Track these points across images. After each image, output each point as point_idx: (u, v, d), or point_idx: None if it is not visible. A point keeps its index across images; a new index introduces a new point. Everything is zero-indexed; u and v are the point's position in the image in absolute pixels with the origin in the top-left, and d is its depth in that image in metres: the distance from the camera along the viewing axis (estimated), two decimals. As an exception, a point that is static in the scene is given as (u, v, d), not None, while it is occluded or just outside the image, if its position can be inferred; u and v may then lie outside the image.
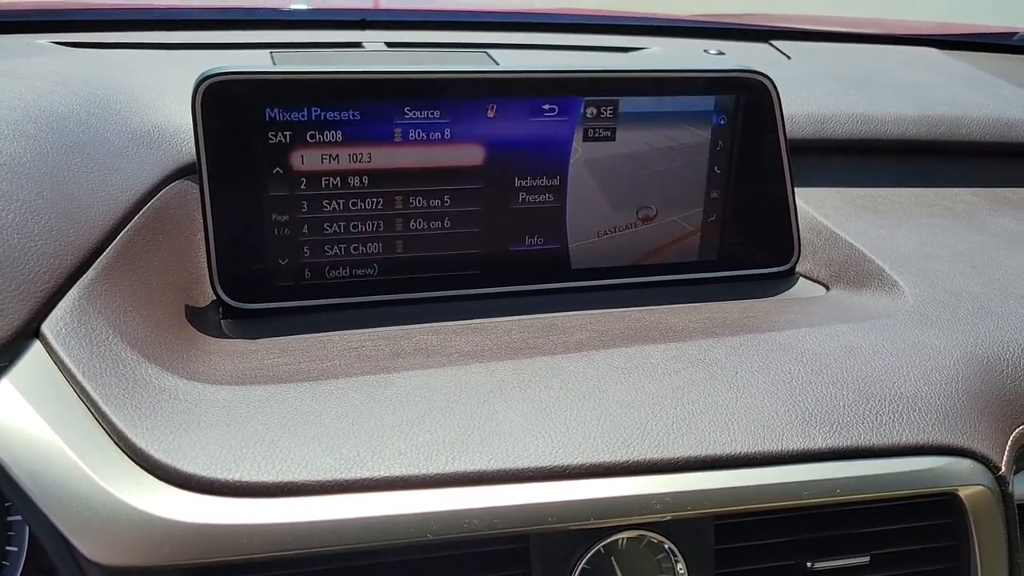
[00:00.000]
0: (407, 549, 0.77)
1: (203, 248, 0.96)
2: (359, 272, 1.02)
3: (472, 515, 0.73)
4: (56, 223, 0.83)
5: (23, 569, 0.75)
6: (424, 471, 0.74)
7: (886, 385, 0.89)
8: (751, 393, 0.86)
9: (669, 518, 0.79)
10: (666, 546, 0.81)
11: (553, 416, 0.81)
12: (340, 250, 1.00)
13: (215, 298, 0.97)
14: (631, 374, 0.87)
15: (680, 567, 0.81)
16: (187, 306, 0.95)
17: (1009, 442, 0.91)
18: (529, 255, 1.08)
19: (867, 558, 0.87)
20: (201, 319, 0.95)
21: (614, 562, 0.81)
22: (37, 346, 0.75)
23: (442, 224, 1.03)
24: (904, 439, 0.85)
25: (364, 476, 0.73)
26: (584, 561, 0.79)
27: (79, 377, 0.74)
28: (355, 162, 0.98)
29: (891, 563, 0.89)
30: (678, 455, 0.79)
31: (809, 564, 0.85)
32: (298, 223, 0.98)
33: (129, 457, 0.71)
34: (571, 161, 1.06)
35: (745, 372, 0.89)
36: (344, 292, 1.01)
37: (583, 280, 1.10)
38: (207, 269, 0.95)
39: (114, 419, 0.72)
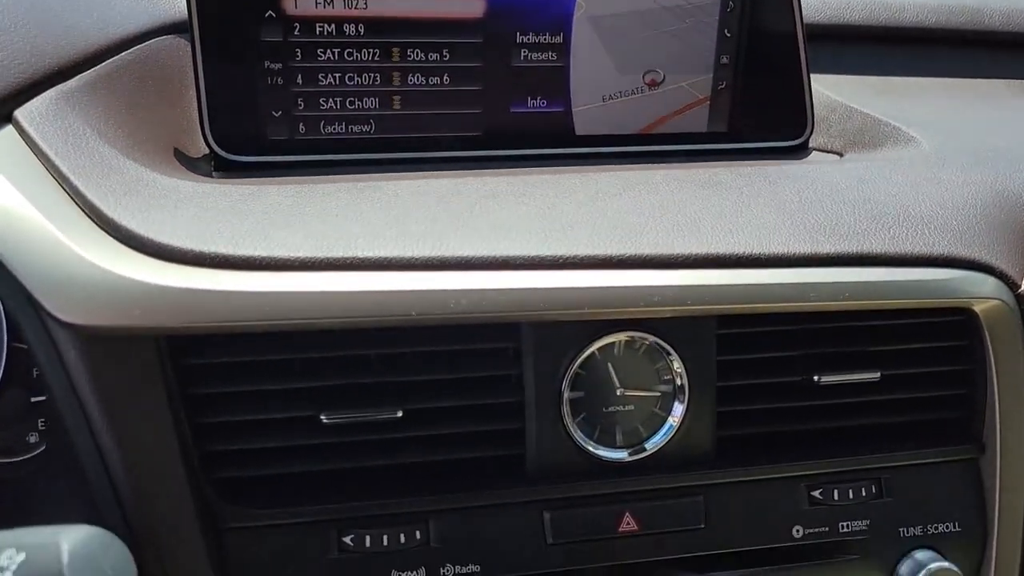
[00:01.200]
0: (394, 341, 0.74)
1: (195, 104, 0.94)
2: (355, 128, 0.99)
3: (458, 295, 0.70)
4: (35, 30, 0.81)
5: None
6: (410, 254, 0.71)
7: (899, 208, 0.85)
8: (757, 207, 0.82)
9: (668, 314, 0.75)
10: (664, 351, 0.77)
11: (549, 216, 0.78)
12: (335, 104, 0.98)
13: (207, 152, 0.95)
14: (633, 188, 0.84)
15: (678, 367, 0.77)
16: (176, 149, 0.93)
17: None
18: (532, 118, 1.05)
19: (877, 375, 0.82)
20: (191, 166, 0.93)
21: (610, 368, 0.77)
22: (9, 129, 0.74)
23: (441, 80, 1.00)
24: (917, 250, 0.81)
25: (346, 255, 0.70)
26: (577, 363, 0.76)
27: (53, 158, 0.72)
28: (350, 7, 0.96)
29: (903, 383, 0.85)
30: (678, 252, 0.76)
31: (816, 378, 0.81)
32: (292, 72, 0.96)
33: (102, 228, 0.69)
34: (575, 16, 1.03)
35: (751, 192, 0.85)
36: (338, 149, 0.99)
37: (587, 147, 1.07)
38: (199, 121, 0.94)
39: (88, 194, 0.70)
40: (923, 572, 0.81)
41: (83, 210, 0.70)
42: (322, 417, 0.72)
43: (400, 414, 0.73)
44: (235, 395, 0.73)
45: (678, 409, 0.78)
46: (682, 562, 0.81)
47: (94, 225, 0.69)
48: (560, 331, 0.75)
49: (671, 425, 0.78)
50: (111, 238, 0.69)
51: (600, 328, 0.75)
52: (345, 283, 0.69)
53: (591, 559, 0.78)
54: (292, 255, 0.69)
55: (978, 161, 0.95)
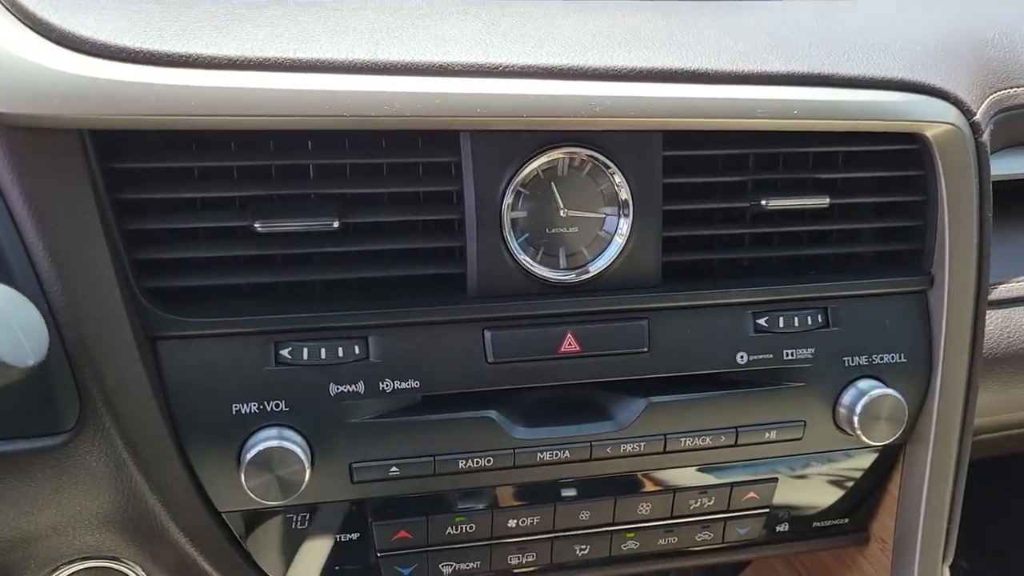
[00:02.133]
0: (331, 150, 0.73)
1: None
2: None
3: (394, 98, 0.68)
4: None
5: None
6: (345, 57, 0.69)
7: (858, 37, 0.83)
8: (709, 30, 0.80)
9: (611, 127, 0.74)
10: (608, 169, 0.75)
11: (492, 30, 0.75)
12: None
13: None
14: (584, 11, 0.81)
15: (620, 181, 0.76)
16: None
17: (988, 97, 0.85)
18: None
19: (826, 200, 0.81)
20: None
21: (553, 187, 0.76)
22: None
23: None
24: (871, 72, 0.79)
25: (278, 56, 0.68)
26: (519, 180, 0.74)
27: None
28: None
29: (852, 213, 0.84)
30: (622, 64, 0.74)
31: (764, 202, 0.80)
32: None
33: (28, 26, 0.66)
34: None
35: (704, 19, 0.83)
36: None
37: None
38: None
39: None
40: (864, 399, 0.82)
41: (10, 10, 0.68)
42: (256, 225, 0.71)
43: (336, 225, 0.72)
44: (165, 202, 0.71)
45: (623, 228, 0.77)
46: (625, 385, 0.81)
47: (20, 23, 0.67)
48: (500, 143, 0.73)
49: (617, 244, 0.77)
50: (38, 35, 0.66)
51: (541, 141, 0.74)
52: (275, 82, 0.67)
53: (531, 379, 0.78)
54: (220, 53, 0.67)
55: (943, 4, 0.93)
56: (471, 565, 0.83)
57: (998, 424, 1.04)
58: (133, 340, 0.70)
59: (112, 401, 0.70)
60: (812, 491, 0.89)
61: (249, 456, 0.70)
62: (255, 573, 0.80)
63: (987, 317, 0.88)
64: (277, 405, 0.73)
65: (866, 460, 0.90)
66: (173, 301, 0.72)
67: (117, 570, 0.78)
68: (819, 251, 0.85)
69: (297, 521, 0.79)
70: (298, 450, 0.71)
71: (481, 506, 0.81)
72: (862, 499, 0.92)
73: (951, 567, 0.92)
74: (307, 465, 0.72)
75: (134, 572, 0.78)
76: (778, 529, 0.90)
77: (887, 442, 0.84)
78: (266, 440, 0.71)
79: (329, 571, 0.81)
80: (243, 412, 0.72)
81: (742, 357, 0.82)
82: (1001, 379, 0.92)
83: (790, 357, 0.82)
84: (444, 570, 0.83)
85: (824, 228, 0.84)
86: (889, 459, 0.91)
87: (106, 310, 0.69)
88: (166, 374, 0.71)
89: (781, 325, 0.82)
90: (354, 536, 0.80)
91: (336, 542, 0.80)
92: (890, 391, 0.82)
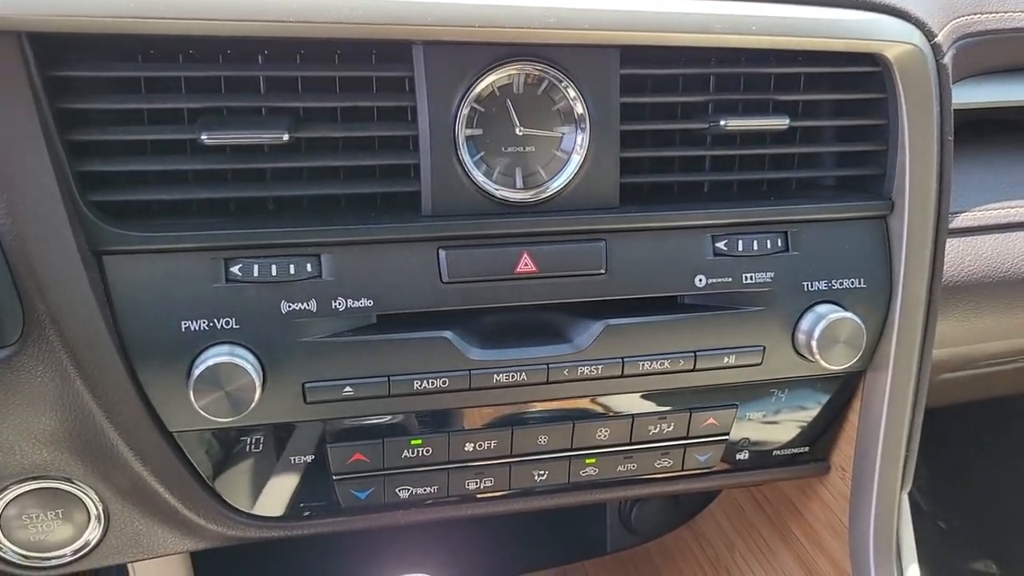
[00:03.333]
0: (281, 61, 0.71)
1: None
2: None
3: (344, 4, 0.67)
4: None
5: None
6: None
7: None
8: None
9: (566, 40, 0.72)
10: (565, 86, 0.74)
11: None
12: None
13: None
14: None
15: (575, 95, 0.75)
16: None
17: (952, 22, 0.84)
18: None
19: (785, 121, 0.80)
20: None
21: (509, 105, 0.75)
22: None
23: None
24: (830, -10, 0.78)
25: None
26: (473, 95, 0.73)
27: None
28: None
29: (813, 136, 0.83)
30: (577, -23, 0.72)
31: (723, 123, 0.79)
32: None
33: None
34: None
35: None
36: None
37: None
38: None
39: None
40: (823, 323, 0.81)
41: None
42: (203, 137, 0.70)
43: (286, 139, 0.71)
44: (110, 112, 0.70)
45: (580, 146, 0.76)
46: (582, 308, 0.80)
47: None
48: (453, 56, 0.72)
49: (574, 163, 0.76)
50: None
51: (496, 55, 0.73)
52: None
53: (487, 300, 0.77)
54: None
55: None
56: (428, 489, 0.83)
57: (960, 359, 1.04)
58: (77, 254, 0.68)
59: (56, 316, 0.69)
60: (772, 419, 0.89)
61: (198, 372, 0.70)
62: (209, 496, 0.79)
63: (947, 245, 0.87)
64: (227, 323, 0.72)
65: (826, 388, 0.90)
66: (120, 216, 0.71)
67: (70, 493, 0.77)
68: (780, 175, 0.84)
69: (251, 443, 0.78)
70: (248, 367, 0.70)
71: (438, 429, 0.81)
72: (822, 428, 0.92)
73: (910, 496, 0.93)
74: (258, 382, 0.71)
75: (87, 495, 0.77)
76: (738, 457, 0.90)
77: (845, 367, 0.83)
78: (216, 356, 0.70)
79: (283, 494, 0.80)
80: (192, 329, 0.71)
81: (700, 280, 0.81)
82: (960, 308, 0.92)
83: (749, 281, 0.82)
84: (401, 494, 0.82)
85: (785, 151, 0.84)
86: (849, 388, 0.91)
87: (49, 223, 0.67)
88: (112, 290, 0.70)
89: (740, 249, 0.81)
90: (309, 458, 0.79)
91: (290, 464, 0.79)
92: (848, 315, 0.82)
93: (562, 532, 1.14)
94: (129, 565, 0.89)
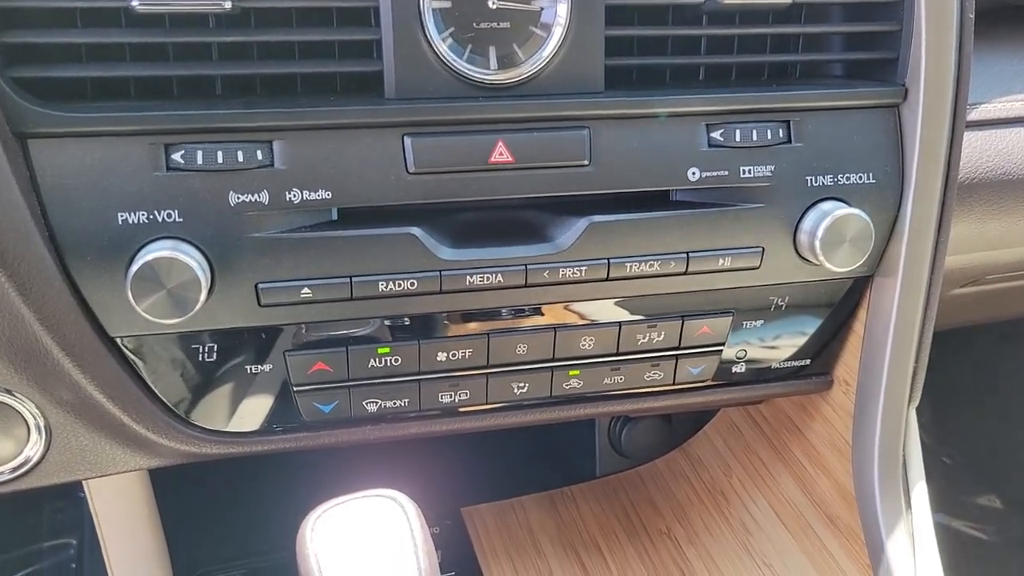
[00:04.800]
0: None
1: None
2: None
3: None
4: None
5: None
6: None
7: None
8: None
9: None
10: None
11: None
12: None
13: None
14: None
15: None
16: None
17: None
18: None
19: None
20: None
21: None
22: None
23: None
24: None
25: None
26: None
27: None
28: None
29: (821, 16, 0.76)
30: None
31: None
32: None
33: None
34: None
35: None
36: None
37: None
38: None
39: None
40: (827, 219, 0.74)
41: None
42: (134, 3, 0.62)
43: (229, 6, 0.63)
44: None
45: (561, 18, 0.68)
46: (565, 205, 0.73)
47: None
48: None
49: (556, 39, 0.69)
50: None
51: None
52: None
53: (459, 193, 0.70)
54: None
55: None
56: (399, 403, 0.77)
57: (973, 268, 0.97)
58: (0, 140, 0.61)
59: (-25, 207, 0.62)
60: (771, 329, 0.83)
61: (135, 268, 0.63)
62: (160, 409, 0.73)
63: (964, 139, 0.80)
64: (169, 215, 0.65)
65: (830, 296, 0.83)
66: (48, 96, 0.64)
67: (7, 405, 0.71)
68: (782, 58, 0.77)
69: (203, 352, 0.72)
70: (192, 263, 0.63)
71: (407, 337, 0.74)
72: (826, 340, 0.86)
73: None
74: (204, 281, 0.64)
75: (26, 408, 0.71)
76: (734, 371, 0.84)
77: (851, 268, 0.77)
78: (156, 252, 0.63)
79: (241, 408, 0.74)
80: (130, 222, 0.64)
81: (694, 174, 0.74)
82: (977, 209, 0.85)
83: (747, 175, 0.75)
84: (369, 408, 0.76)
85: (789, 31, 0.76)
86: (855, 295, 0.84)
87: (-36, 100, 0.60)
88: (39, 177, 0.63)
89: (738, 139, 0.74)
90: (267, 368, 0.73)
91: (247, 376, 0.73)
92: (855, 211, 0.75)
93: (549, 456, 1.08)
94: (85, 486, 0.83)
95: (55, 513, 1.68)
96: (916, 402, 0.84)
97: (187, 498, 0.94)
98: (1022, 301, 1.23)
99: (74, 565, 1.70)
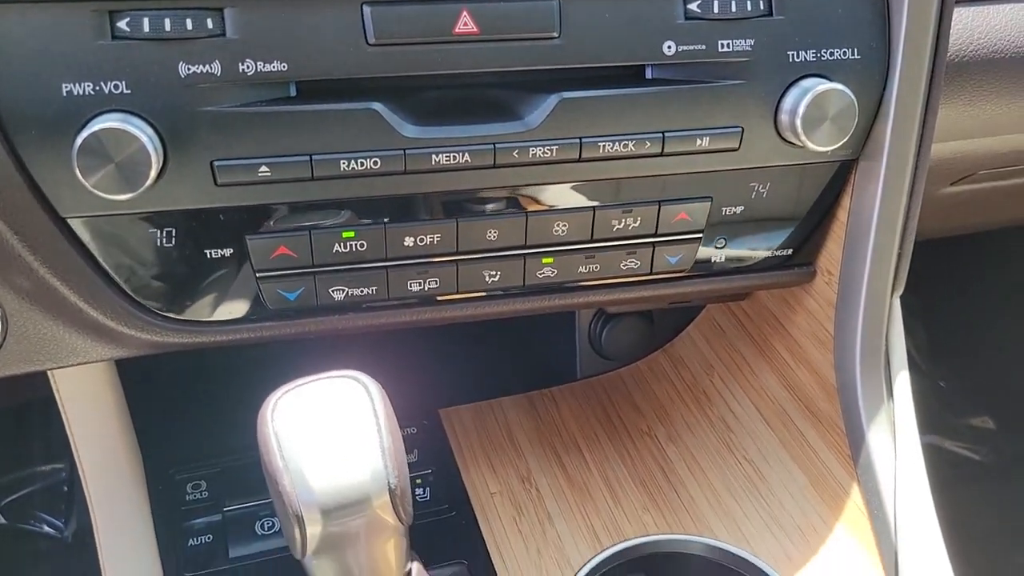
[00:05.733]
0: None
1: None
2: None
3: None
4: None
5: None
6: None
7: None
8: None
9: None
10: None
11: None
12: None
13: None
14: None
15: None
16: None
17: None
18: None
19: None
20: None
21: None
22: None
23: None
24: None
25: None
26: None
27: None
28: None
29: None
30: None
31: None
32: None
33: None
34: None
35: None
36: None
37: None
38: None
39: None
40: (809, 95, 0.71)
41: None
42: None
43: None
44: None
45: None
46: (534, 82, 0.70)
47: None
48: None
49: None
50: None
51: None
52: None
53: (422, 67, 0.67)
54: None
55: None
56: (366, 291, 0.75)
57: (963, 159, 0.94)
58: None
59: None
60: (752, 217, 0.80)
61: (81, 140, 0.60)
62: (120, 297, 0.71)
63: (955, 14, 0.77)
64: (116, 87, 0.62)
65: (813, 181, 0.80)
66: None
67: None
68: (763, -75, 0.73)
69: (162, 237, 0.69)
70: (141, 135, 0.61)
71: (372, 221, 0.72)
72: (809, 228, 0.83)
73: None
74: (154, 154, 0.62)
75: (-13, 300, 0.70)
76: (714, 260, 0.82)
77: (834, 148, 0.74)
78: (103, 123, 0.61)
79: (204, 296, 0.72)
80: (75, 93, 0.61)
81: (669, 48, 0.71)
82: (967, 90, 0.82)
83: (726, 49, 0.72)
84: (336, 296, 0.74)
85: None
86: (839, 181, 0.81)
87: None
88: None
89: (716, 10, 0.71)
90: (227, 253, 0.70)
91: (208, 261, 0.71)
92: (838, 86, 0.72)
93: (529, 359, 1.07)
94: (51, 379, 0.82)
95: (45, 440, 1.69)
96: (900, 291, 0.82)
97: (157, 399, 0.93)
98: (1016, 204, 1.20)
99: (66, 488, 1.71)
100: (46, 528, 1.69)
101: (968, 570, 1.72)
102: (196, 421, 0.94)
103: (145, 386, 0.90)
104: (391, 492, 0.60)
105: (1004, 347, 1.97)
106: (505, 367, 1.06)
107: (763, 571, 0.80)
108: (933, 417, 2.07)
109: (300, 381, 0.63)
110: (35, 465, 1.71)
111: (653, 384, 1.01)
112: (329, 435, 0.60)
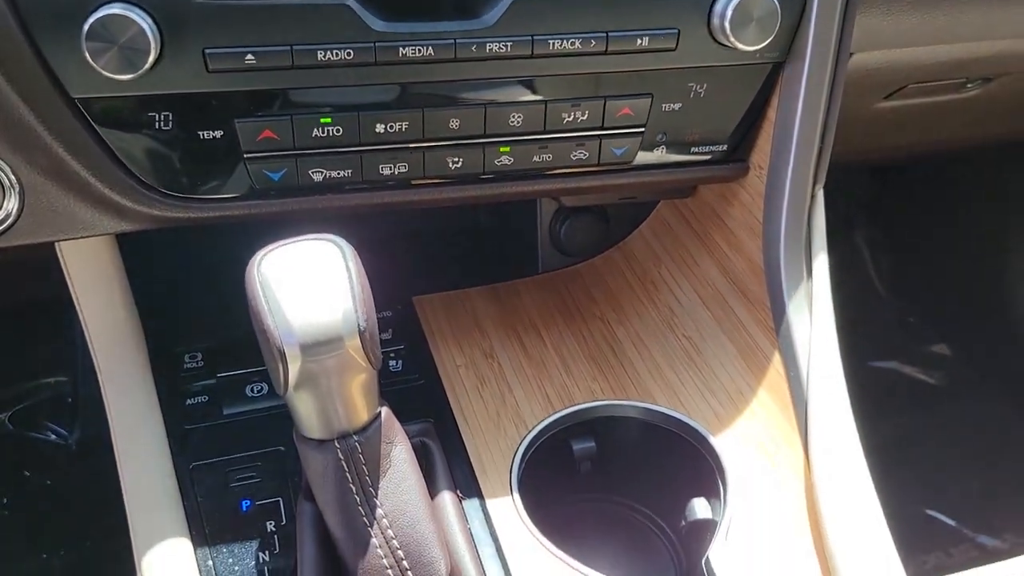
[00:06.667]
0: None
1: None
2: None
3: None
4: None
5: None
6: None
7: None
8: None
9: None
10: None
11: None
12: None
13: None
14: None
15: None
16: None
17: None
18: None
19: None
20: None
21: None
22: None
23: None
24: None
25: None
26: None
27: None
28: None
29: None
30: None
31: None
32: None
33: None
34: None
35: None
36: None
37: None
38: None
39: None
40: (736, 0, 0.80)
41: None
42: None
43: None
44: None
45: None
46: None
47: None
48: None
49: None
50: None
51: None
52: None
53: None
54: None
55: None
56: (342, 173, 0.84)
57: (890, 68, 1.03)
58: None
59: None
60: (690, 114, 0.89)
61: (88, 26, 0.69)
62: (124, 174, 0.80)
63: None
64: None
65: (745, 82, 0.89)
66: None
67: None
68: None
69: (160, 120, 0.78)
70: (141, 22, 0.70)
71: (347, 108, 0.81)
72: (743, 128, 0.93)
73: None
74: (153, 40, 0.71)
75: (6, 175, 0.78)
76: (656, 152, 0.91)
77: (761, 47, 0.83)
78: (107, 9, 0.70)
79: (198, 173, 0.82)
80: None
81: None
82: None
83: None
84: (315, 176, 0.83)
85: None
86: (769, 84, 0.90)
87: None
88: None
89: (654, -77, 0.79)
90: (218, 135, 0.80)
91: (202, 141, 0.80)
92: (762, -9, 0.81)
93: (496, 253, 1.17)
94: (60, 256, 0.91)
95: (50, 353, 1.78)
96: (822, 182, 0.92)
97: (157, 283, 1.02)
98: (949, 123, 1.29)
99: (71, 399, 1.81)
100: (52, 436, 1.79)
101: (919, 493, 1.85)
102: (193, 304, 1.03)
103: (145, 271, 0.99)
104: (361, 334, 0.69)
105: (960, 275, 2.06)
106: (474, 262, 1.15)
107: (694, 428, 0.91)
108: (893, 344, 2.17)
109: (283, 241, 0.73)
110: (41, 377, 1.81)
111: (607, 276, 1.11)
112: (307, 284, 0.69)
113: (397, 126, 0.83)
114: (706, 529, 0.86)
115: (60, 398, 1.82)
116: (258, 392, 0.95)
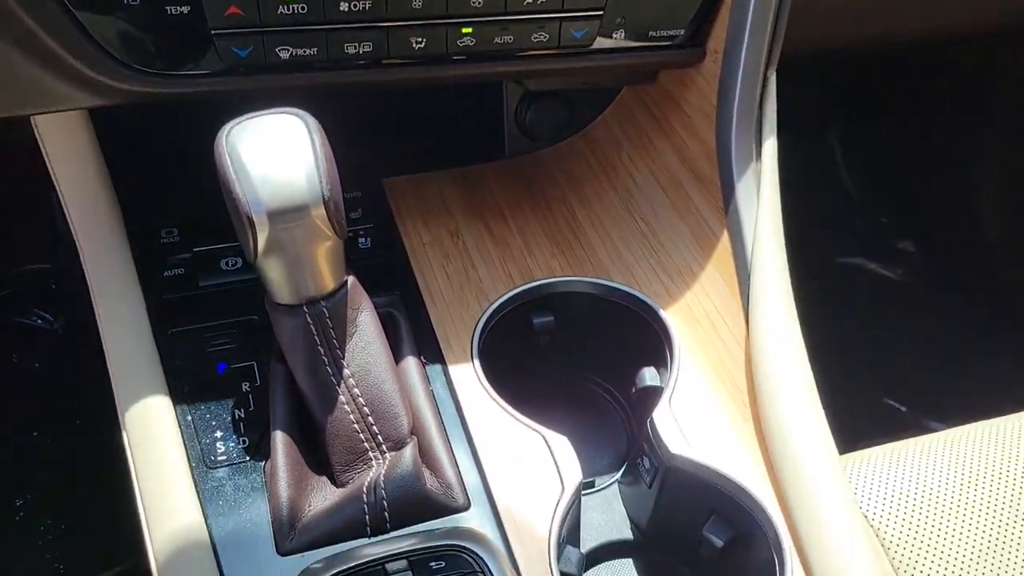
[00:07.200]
0: None
1: None
2: None
3: None
4: None
5: None
6: None
7: None
8: None
9: None
10: None
11: None
12: None
13: None
14: None
15: None
16: None
17: None
18: None
19: None
20: None
21: None
22: None
23: None
24: None
25: None
26: None
27: None
28: None
29: None
30: None
31: None
32: None
33: None
34: None
35: None
36: None
37: None
38: None
39: None
40: None
41: None
42: None
43: None
44: None
45: None
46: None
47: None
48: None
49: None
50: None
51: None
52: None
53: None
54: None
55: None
56: (308, 51, 0.87)
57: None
58: None
59: None
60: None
61: None
62: (95, 49, 0.82)
63: None
64: None
65: (701, -33, 0.92)
66: None
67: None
68: None
69: (129, -3, 0.81)
70: None
71: (312, -14, 0.83)
72: (701, 13, 0.95)
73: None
74: None
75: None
76: (615, 37, 0.94)
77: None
78: None
79: (168, 50, 0.84)
80: None
81: None
82: None
83: None
84: (282, 55, 0.86)
85: None
86: (723, -30, 0.93)
87: None
88: None
89: None
90: (185, 10, 0.82)
91: (169, 17, 0.82)
92: None
93: (464, 138, 1.20)
94: (34, 126, 0.94)
95: (33, 242, 1.81)
96: (774, 67, 0.95)
97: (134, 163, 1.05)
98: (887, 14, 1.28)
99: (54, 286, 1.85)
100: (39, 321, 1.84)
101: (879, 382, 1.91)
102: (167, 182, 1.06)
103: (122, 152, 1.02)
104: (326, 203, 0.73)
105: (927, 173, 2.10)
106: (443, 148, 1.18)
107: (645, 302, 0.96)
108: (862, 242, 2.23)
109: (251, 115, 0.76)
110: (25, 264, 1.85)
111: (571, 161, 1.15)
112: (273, 155, 0.73)
113: (361, 4, 0.85)
114: (654, 395, 0.93)
115: (44, 286, 1.86)
116: (232, 266, 0.99)
